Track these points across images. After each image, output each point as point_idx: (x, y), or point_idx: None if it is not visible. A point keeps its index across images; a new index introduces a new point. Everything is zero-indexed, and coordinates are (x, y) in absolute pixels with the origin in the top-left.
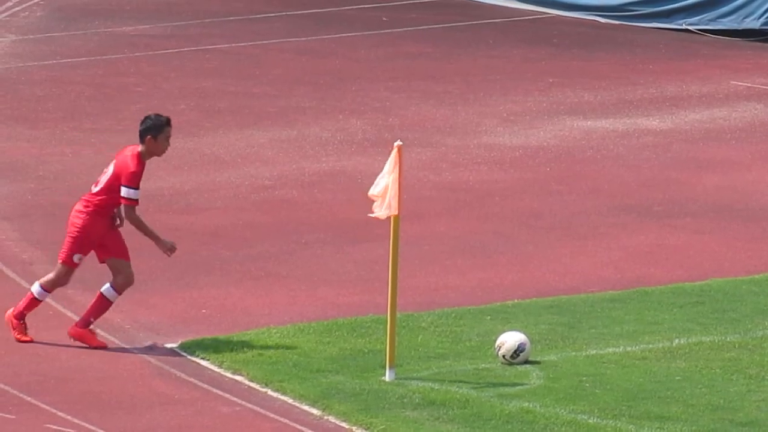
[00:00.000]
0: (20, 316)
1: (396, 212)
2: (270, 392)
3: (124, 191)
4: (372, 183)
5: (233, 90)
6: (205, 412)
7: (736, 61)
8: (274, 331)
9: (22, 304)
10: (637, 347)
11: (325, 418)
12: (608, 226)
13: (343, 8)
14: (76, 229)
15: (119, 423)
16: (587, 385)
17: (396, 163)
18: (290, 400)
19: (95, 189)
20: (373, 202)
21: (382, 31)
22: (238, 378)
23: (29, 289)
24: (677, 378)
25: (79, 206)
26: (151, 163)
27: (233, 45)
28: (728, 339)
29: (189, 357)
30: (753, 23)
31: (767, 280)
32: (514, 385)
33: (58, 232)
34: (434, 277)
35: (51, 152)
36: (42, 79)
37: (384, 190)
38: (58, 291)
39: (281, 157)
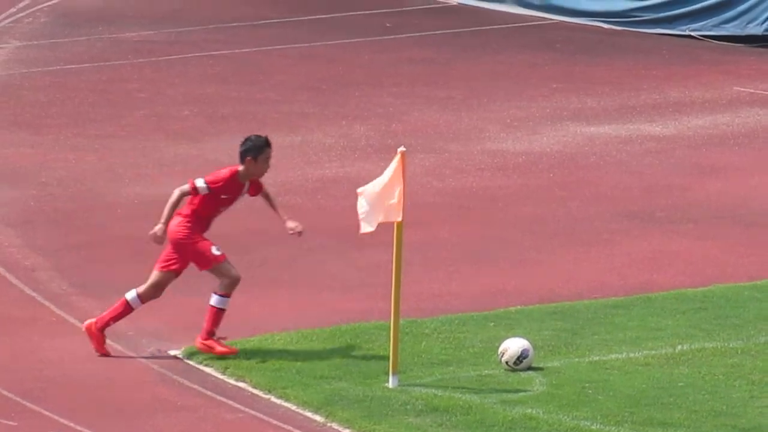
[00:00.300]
0: (210, 334)
1: (400, 218)
2: (273, 399)
3: (197, 179)
4: None
5: (237, 96)
6: (208, 419)
7: (739, 67)
8: (278, 337)
9: (207, 323)
10: (640, 353)
11: (329, 424)
12: (611, 233)
13: (346, 14)
14: (188, 239)
15: (122, 430)
16: (590, 391)
17: (399, 169)
18: (293, 407)
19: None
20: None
21: (385, 37)
22: (241, 385)
23: (209, 303)
24: (680, 384)
25: (176, 219)
26: (154, 169)
27: (236, 51)
28: (731, 345)
29: (192, 363)
30: (756, 29)
31: None
32: (517, 391)
33: (61, 238)
34: (437, 284)
35: (54, 158)
36: (45, 85)
37: (376, 197)
38: (62, 298)
39: (285, 163)
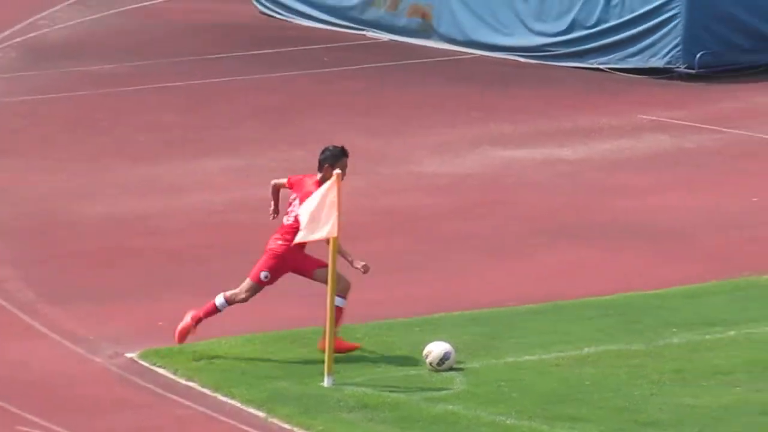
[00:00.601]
0: (197, 320)
1: (335, 234)
2: (220, 397)
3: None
4: None
5: (189, 123)
6: (161, 415)
7: (643, 97)
8: (224, 341)
9: (201, 310)
10: (551, 355)
11: (270, 420)
12: (527, 246)
13: (288, 49)
14: (274, 253)
15: (84, 425)
16: (506, 389)
17: (334, 189)
18: (238, 404)
19: (289, 220)
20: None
21: (323, 70)
22: (191, 384)
23: (214, 299)
24: (587, 383)
25: (276, 236)
26: (115, 189)
27: (190, 82)
28: (633, 347)
29: (146, 365)
30: (657, 62)
31: (669, 295)
32: (440, 389)
33: (30, 252)
34: (368, 292)
35: (25, 180)
36: (17, 114)
37: (311, 212)
38: (28, 305)
39: (231, 184)
